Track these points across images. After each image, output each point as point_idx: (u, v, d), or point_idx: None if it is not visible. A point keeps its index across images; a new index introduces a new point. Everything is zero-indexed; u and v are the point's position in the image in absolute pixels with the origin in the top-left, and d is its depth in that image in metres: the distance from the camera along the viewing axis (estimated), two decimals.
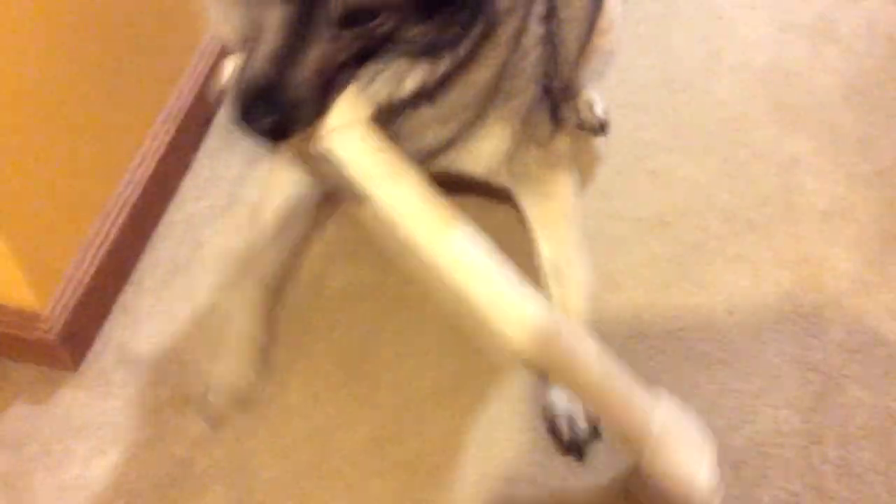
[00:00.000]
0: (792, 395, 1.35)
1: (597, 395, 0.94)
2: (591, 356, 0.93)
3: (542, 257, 1.22)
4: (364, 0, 0.83)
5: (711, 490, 0.89)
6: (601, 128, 1.65)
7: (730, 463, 1.27)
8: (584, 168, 1.65)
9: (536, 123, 1.13)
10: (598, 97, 1.67)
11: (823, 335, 1.42)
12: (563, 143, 1.20)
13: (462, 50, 0.93)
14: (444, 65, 0.93)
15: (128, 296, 1.54)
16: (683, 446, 0.90)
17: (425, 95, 0.97)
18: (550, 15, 1.08)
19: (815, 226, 1.57)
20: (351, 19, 0.84)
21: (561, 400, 1.23)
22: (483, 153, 1.11)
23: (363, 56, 0.90)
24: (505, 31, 0.99)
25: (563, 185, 1.20)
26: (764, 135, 1.73)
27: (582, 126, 1.65)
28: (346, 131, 0.92)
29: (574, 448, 1.24)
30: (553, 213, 1.20)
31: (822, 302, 1.46)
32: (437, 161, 1.09)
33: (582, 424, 1.24)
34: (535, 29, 1.04)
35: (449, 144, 1.07)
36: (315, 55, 0.83)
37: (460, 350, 1.40)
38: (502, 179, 1.19)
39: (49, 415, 1.39)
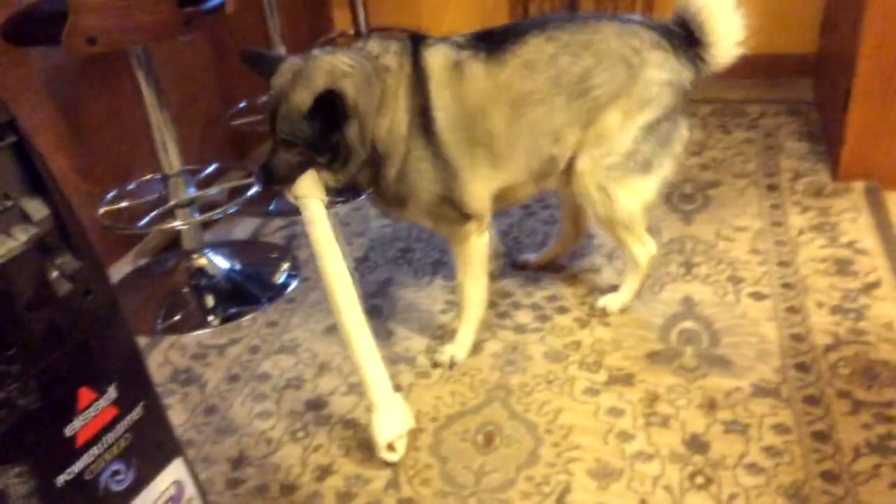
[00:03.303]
0: None
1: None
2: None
3: (458, 280, 1.98)
4: (286, 136, 1.69)
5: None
6: None
7: None
8: None
9: (441, 214, 1.86)
10: None
11: None
12: (468, 226, 1.88)
13: (351, 169, 1.75)
14: (343, 175, 1.75)
15: None
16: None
17: (347, 189, 1.85)
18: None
19: None
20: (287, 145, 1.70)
21: None
22: (420, 220, 1.94)
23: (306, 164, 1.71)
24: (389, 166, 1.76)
25: (467, 247, 1.91)
26: None
27: None
28: (313, 200, 1.72)
29: None
30: (461, 259, 1.94)
31: None
32: (398, 214, 1.93)
33: None
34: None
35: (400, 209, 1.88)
36: (279, 159, 1.72)
37: None
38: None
39: None
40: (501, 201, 1.94)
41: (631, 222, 1.97)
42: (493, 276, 2.24)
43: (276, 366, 2.03)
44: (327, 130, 1.67)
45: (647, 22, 1.88)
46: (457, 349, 1.98)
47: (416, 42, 1.80)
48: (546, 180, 1.95)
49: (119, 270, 2.53)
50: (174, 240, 2.55)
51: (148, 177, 2.42)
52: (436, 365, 1.98)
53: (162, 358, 2.12)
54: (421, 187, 1.80)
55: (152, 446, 1.04)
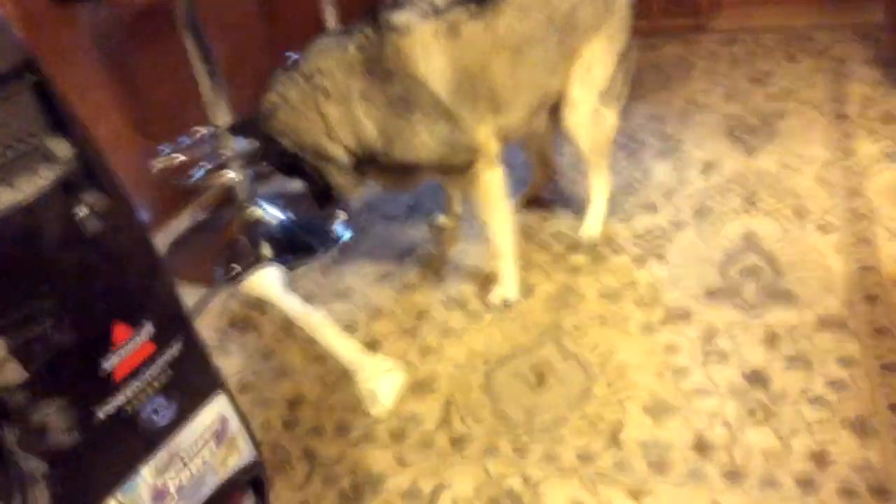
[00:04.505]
0: None
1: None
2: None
3: (481, 220, 1.98)
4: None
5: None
6: None
7: None
8: None
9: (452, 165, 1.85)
10: None
11: None
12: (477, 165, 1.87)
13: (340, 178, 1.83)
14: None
15: None
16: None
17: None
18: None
19: None
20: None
21: None
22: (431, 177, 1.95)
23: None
24: None
25: (481, 184, 1.90)
26: None
27: None
28: (272, 288, 2.09)
29: None
30: (479, 198, 1.93)
31: None
32: (412, 184, 1.97)
33: None
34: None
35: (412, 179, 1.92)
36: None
37: None
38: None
39: None
40: (502, 139, 1.94)
41: (609, 142, 2.09)
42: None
43: (331, 311, 2.04)
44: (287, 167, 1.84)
45: None
46: (505, 289, 1.96)
47: (383, 31, 1.74)
48: (539, 116, 1.98)
49: (179, 224, 2.58)
50: (231, 194, 2.58)
51: (201, 131, 2.44)
52: (488, 306, 1.96)
53: (221, 307, 2.16)
54: (428, 153, 1.79)
55: (193, 382, 1.06)
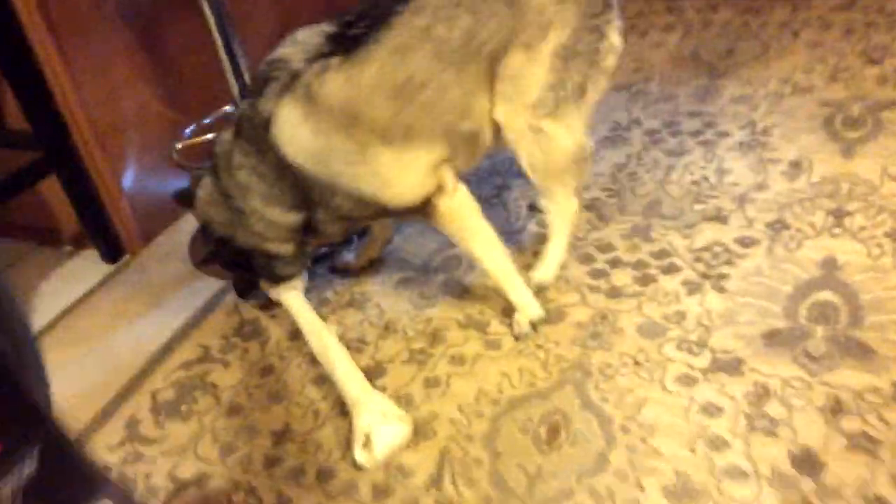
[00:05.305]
0: None
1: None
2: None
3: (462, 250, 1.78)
4: None
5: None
6: None
7: None
8: None
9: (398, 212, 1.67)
10: None
11: None
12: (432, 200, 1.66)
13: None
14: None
15: None
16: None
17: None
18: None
19: None
20: None
21: None
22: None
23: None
24: None
25: (444, 215, 1.67)
26: None
27: None
28: (290, 295, 1.78)
29: None
30: (449, 229, 1.71)
31: None
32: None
33: None
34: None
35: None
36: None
37: None
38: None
39: None
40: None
41: (566, 165, 1.71)
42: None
43: (341, 323, 1.87)
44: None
45: None
46: (527, 312, 1.72)
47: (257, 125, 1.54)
48: (481, 150, 1.71)
49: None
50: None
51: (224, 110, 2.28)
52: (518, 338, 1.73)
53: (231, 307, 2.02)
54: (354, 211, 1.61)
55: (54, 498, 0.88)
